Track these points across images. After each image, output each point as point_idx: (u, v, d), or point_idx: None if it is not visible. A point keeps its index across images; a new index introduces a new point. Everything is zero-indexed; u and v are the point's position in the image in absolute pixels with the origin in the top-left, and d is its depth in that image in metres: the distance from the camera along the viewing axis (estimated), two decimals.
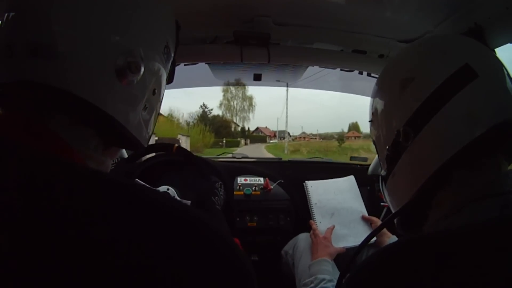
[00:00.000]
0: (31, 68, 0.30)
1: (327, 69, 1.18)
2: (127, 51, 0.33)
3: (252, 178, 1.19)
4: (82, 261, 0.22)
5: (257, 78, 1.23)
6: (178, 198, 0.93)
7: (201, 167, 0.90)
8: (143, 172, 1.03)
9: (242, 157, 1.52)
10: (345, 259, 0.90)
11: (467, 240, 0.30)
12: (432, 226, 0.40)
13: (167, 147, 0.91)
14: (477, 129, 0.35)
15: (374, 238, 0.89)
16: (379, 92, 0.47)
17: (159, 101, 0.42)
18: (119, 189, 0.26)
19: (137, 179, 0.91)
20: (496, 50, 0.68)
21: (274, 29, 0.89)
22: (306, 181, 1.13)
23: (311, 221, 1.00)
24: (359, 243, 0.50)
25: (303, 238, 0.97)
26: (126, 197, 0.26)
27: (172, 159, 1.08)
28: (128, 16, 0.34)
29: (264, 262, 1.13)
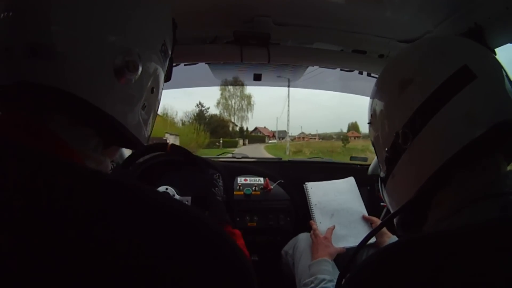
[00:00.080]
0: (31, 68, 0.30)
1: (327, 69, 1.18)
2: (125, 50, 0.33)
3: (252, 178, 1.19)
4: (82, 261, 0.22)
5: (257, 78, 1.23)
6: (178, 197, 0.93)
7: (197, 162, 0.90)
8: (142, 173, 1.03)
9: (242, 157, 1.52)
10: (345, 259, 0.90)
11: (467, 240, 0.30)
12: (432, 226, 0.40)
13: (161, 147, 0.89)
14: (477, 129, 0.35)
15: (374, 238, 0.90)
16: (378, 93, 0.47)
17: (157, 99, 0.42)
18: (119, 189, 0.26)
19: (136, 180, 0.91)
20: (496, 50, 0.68)
21: (274, 29, 0.89)
22: (306, 183, 1.13)
23: (312, 221, 1.00)
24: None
25: (303, 238, 0.97)
26: (126, 197, 0.26)
27: (170, 159, 1.08)
28: (126, 15, 0.34)
29: (264, 262, 1.13)
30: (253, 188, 1.15)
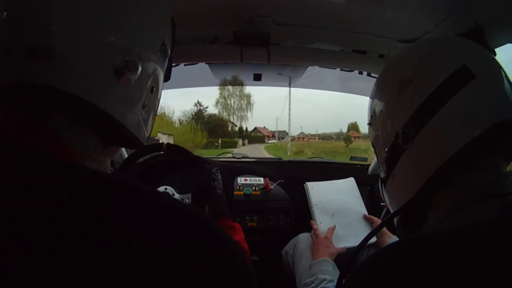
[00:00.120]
0: (30, 69, 0.30)
1: (326, 69, 1.18)
2: (124, 50, 0.33)
3: (252, 178, 1.19)
4: (82, 261, 0.22)
5: (257, 78, 1.23)
6: (177, 196, 0.93)
7: (194, 158, 0.90)
8: (142, 173, 1.03)
9: (242, 157, 1.52)
10: (346, 260, 0.90)
11: (467, 240, 0.30)
12: (432, 226, 0.40)
13: (157, 147, 0.89)
14: (476, 129, 0.35)
15: (375, 238, 0.90)
16: (378, 93, 0.48)
17: (157, 99, 0.42)
18: (119, 189, 0.26)
19: (136, 180, 0.91)
20: (496, 50, 0.68)
21: (274, 29, 0.89)
22: (306, 183, 1.13)
23: (312, 221, 1.00)
24: None
25: (303, 238, 0.97)
26: (126, 197, 0.26)
27: (170, 159, 1.08)
28: (126, 15, 0.34)
29: (264, 262, 1.13)
30: (253, 188, 1.15)
